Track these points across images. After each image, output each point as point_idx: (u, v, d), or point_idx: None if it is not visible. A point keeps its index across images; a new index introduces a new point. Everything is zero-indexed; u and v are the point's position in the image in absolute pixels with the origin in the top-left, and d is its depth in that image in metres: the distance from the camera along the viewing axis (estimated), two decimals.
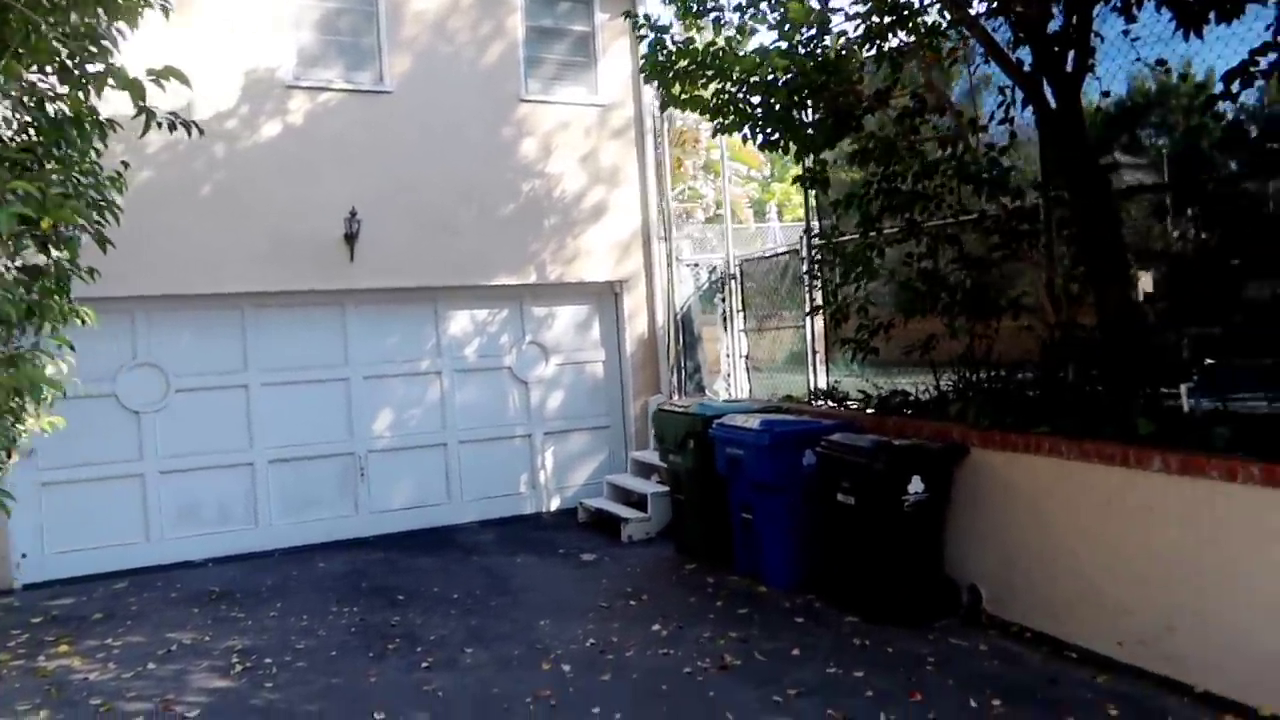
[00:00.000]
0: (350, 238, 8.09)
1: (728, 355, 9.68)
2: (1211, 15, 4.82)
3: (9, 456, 5.08)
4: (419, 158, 8.44)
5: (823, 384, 8.17)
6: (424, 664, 5.19)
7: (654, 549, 7.64)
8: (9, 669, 5.43)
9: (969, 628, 5.48)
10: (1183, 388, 5.19)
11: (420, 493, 8.66)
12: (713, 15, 6.40)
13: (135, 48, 7.46)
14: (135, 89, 3.93)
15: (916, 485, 5.61)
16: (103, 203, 5.34)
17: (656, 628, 5.66)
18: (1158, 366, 5.39)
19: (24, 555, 7.32)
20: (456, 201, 8.60)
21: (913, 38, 6.23)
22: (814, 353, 8.15)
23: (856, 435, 6.01)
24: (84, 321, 5.60)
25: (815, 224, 7.89)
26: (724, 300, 9.63)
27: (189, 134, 4.90)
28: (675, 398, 9.55)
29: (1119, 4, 5.21)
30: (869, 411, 6.93)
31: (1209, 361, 5.42)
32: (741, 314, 9.42)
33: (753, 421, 6.49)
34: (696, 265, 9.93)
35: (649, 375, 9.54)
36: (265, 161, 7.93)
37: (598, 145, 9.28)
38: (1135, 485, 4.81)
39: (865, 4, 6.12)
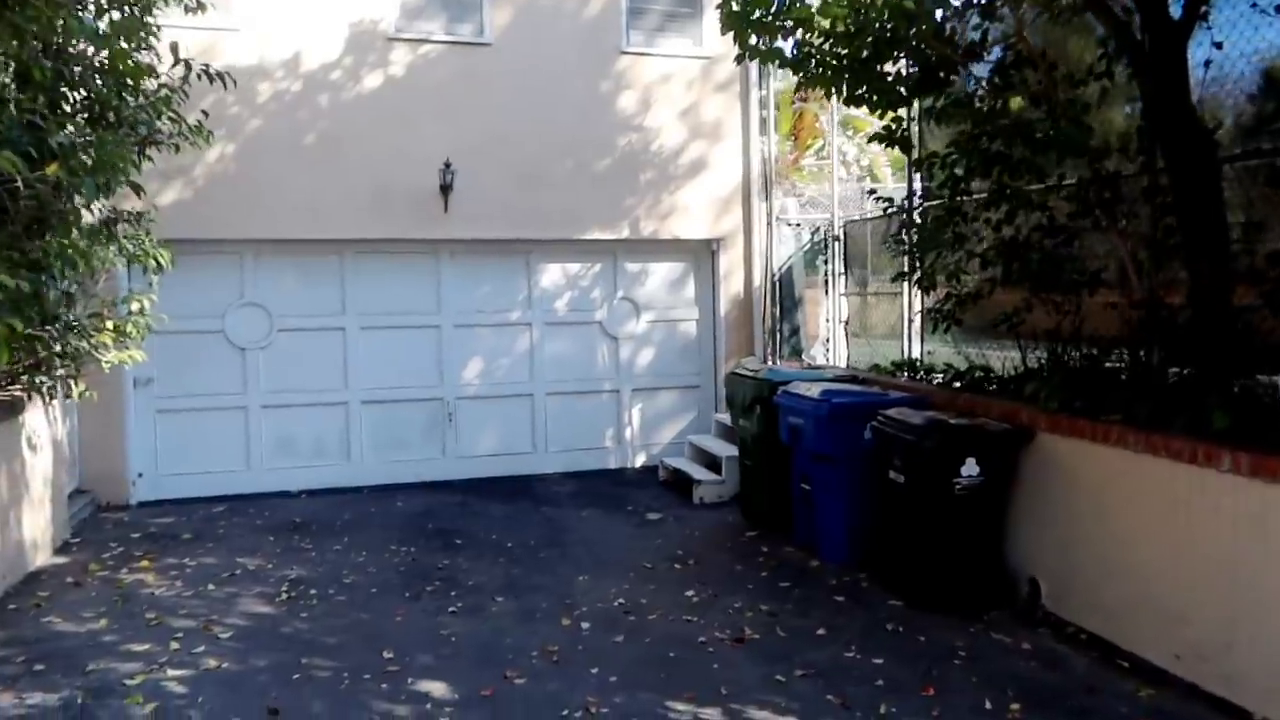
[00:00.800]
0: (445, 189, 8.27)
1: (827, 320, 9.34)
2: None
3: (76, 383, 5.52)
4: (516, 110, 8.50)
5: (916, 354, 7.77)
6: (451, 609, 5.33)
7: (721, 513, 7.53)
8: (94, 578, 5.95)
9: (1019, 623, 5.12)
10: None
11: (506, 441, 8.86)
12: None
13: (246, 4, 7.85)
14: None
15: (971, 468, 5.25)
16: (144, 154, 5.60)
17: (691, 593, 5.59)
18: (1254, 352, 4.80)
19: (140, 475, 7.98)
20: (551, 155, 8.62)
21: None
22: (909, 322, 7.75)
23: (914, 411, 5.68)
24: (159, 263, 5.92)
25: (918, 185, 7.46)
26: (827, 263, 9.27)
27: (224, 86, 5.03)
28: (770, 361, 9.32)
29: None
30: (954, 386, 6.53)
31: None
32: (843, 277, 9.05)
33: (815, 390, 6.24)
34: (799, 225, 9.58)
35: (743, 337, 9.34)
36: (366, 112, 8.19)
37: (700, 99, 9.06)
38: (1203, 485, 4.32)
39: None
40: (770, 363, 9.29)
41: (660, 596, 5.53)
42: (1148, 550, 4.63)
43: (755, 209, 9.25)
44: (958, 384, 6.47)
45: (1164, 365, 5.15)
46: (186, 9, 6.42)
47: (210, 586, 5.74)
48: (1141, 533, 4.67)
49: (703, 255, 9.36)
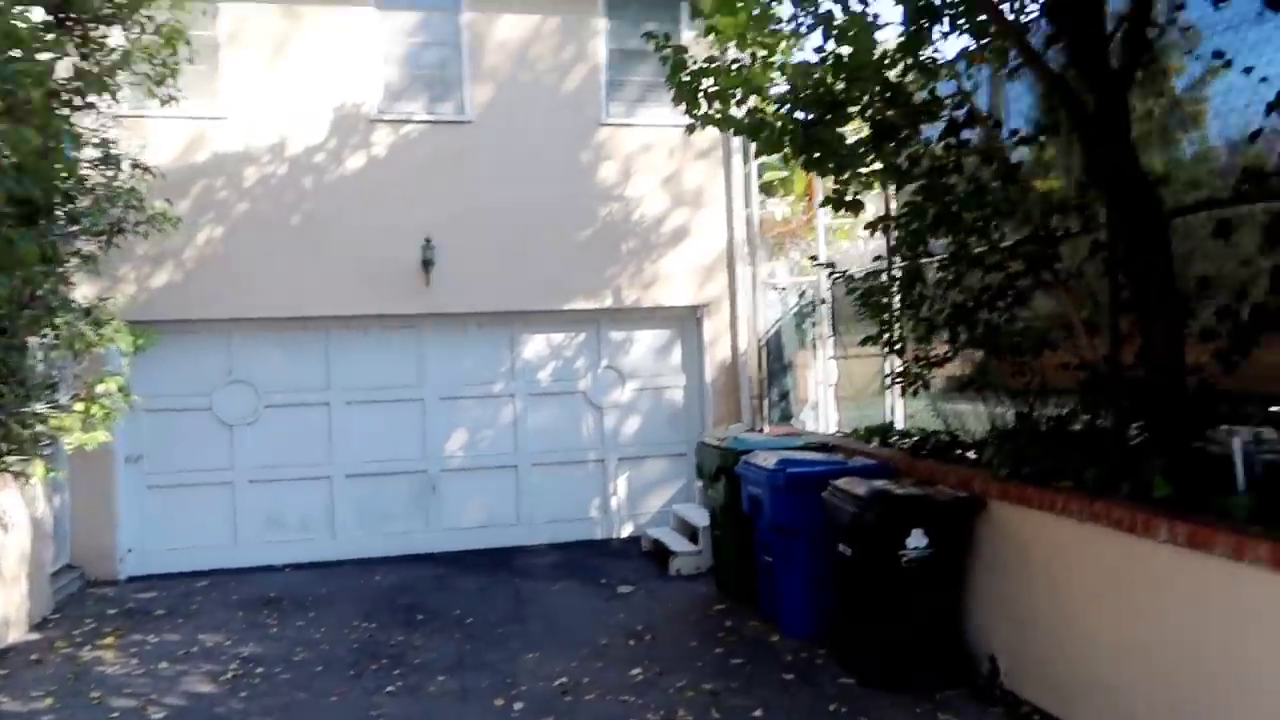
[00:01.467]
0: (427, 264, 8.40)
1: (817, 384, 9.20)
2: None
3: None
4: (497, 185, 8.64)
5: (900, 416, 7.61)
6: (389, 688, 5.25)
7: (695, 585, 7.36)
8: (58, 655, 6.01)
9: (976, 702, 4.88)
10: (1236, 442, 4.40)
11: (490, 513, 8.82)
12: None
13: (235, 89, 8.17)
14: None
15: (917, 539, 5.07)
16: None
17: (636, 671, 5.44)
18: (1207, 413, 4.60)
19: (129, 550, 8.10)
20: (533, 227, 8.72)
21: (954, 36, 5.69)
22: (887, 385, 7.59)
23: (862, 480, 5.52)
24: (138, 344, 6.08)
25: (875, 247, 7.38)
26: (815, 325, 9.17)
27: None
28: (761, 426, 9.19)
29: None
30: (920, 451, 6.36)
31: (1274, 409, 4.56)
32: (831, 340, 8.93)
33: (771, 460, 6.11)
34: (784, 289, 9.52)
35: (731, 403, 9.25)
36: (349, 192, 8.40)
37: (681, 166, 9.13)
38: (1145, 556, 4.11)
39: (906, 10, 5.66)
40: (762, 428, 9.16)
41: (605, 675, 5.40)
42: (1095, 624, 4.41)
43: (741, 274, 9.22)
44: (924, 449, 6.28)
45: (1121, 427, 4.95)
46: (161, 101, 6.70)
47: (163, 664, 5.75)
48: (1089, 606, 4.45)
49: (688, 322, 9.33)
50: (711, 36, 5.88)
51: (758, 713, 4.79)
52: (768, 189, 14.68)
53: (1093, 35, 4.79)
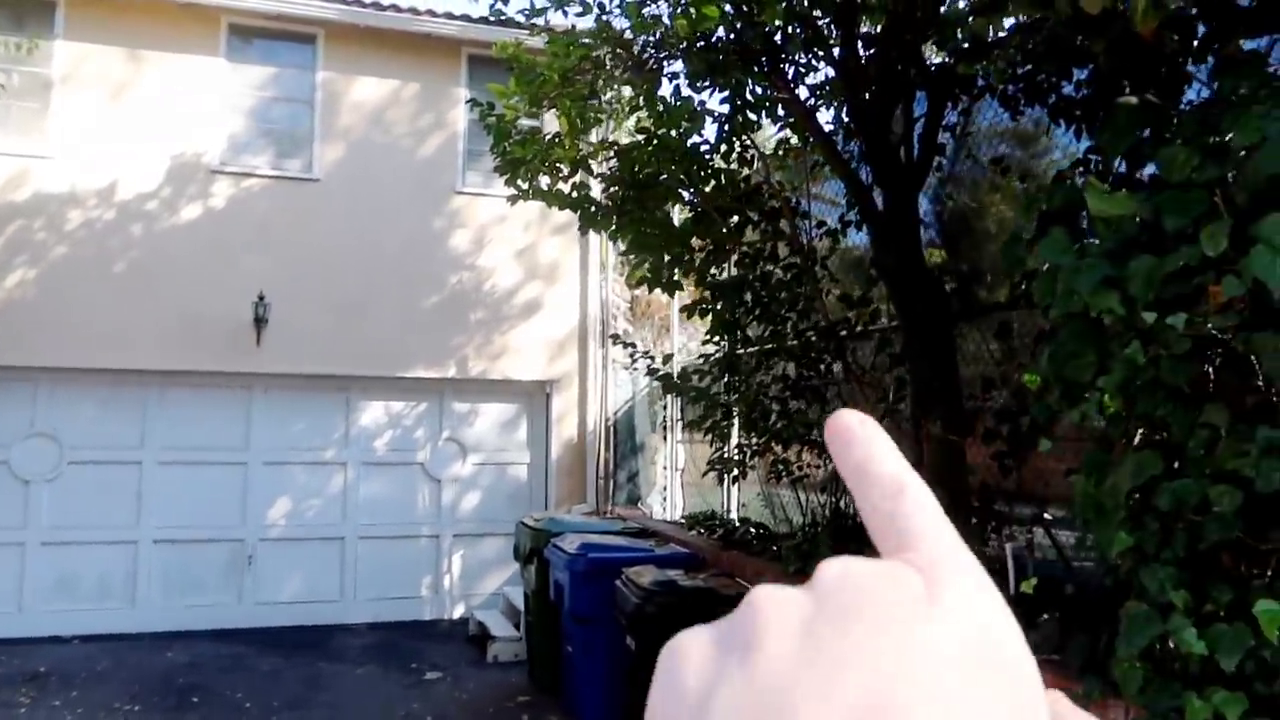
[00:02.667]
0: (259, 321, 8.05)
1: (665, 467, 9.03)
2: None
3: None
4: (341, 245, 8.39)
5: (735, 504, 7.48)
6: None
7: (509, 674, 6.99)
8: None
9: None
10: (1009, 546, 4.34)
11: (311, 587, 8.33)
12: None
13: (67, 129, 7.82)
14: None
15: None
16: None
17: None
18: (984, 515, 4.56)
19: None
20: (376, 290, 8.46)
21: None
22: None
23: (655, 569, 5.31)
24: None
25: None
26: (666, 409, 9.04)
27: None
28: (608, 508, 8.96)
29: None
30: (731, 540, 6.20)
31: (1047, 515, 4.53)
32: (680, 424, 8.80)
33: (574, 545, 5.87)
34: (635, 369, 9.39)
35: (577, 482, 9.01)
36: (181, 242, 8.05)
37: (537, 240, 9.03)
38: None
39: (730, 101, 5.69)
40: (606, 511, 8.93)
41: None
42: None
43: (592, 352, 9.08)
44: (734, 540, 6.13)
45: None
46: None
47: None
48: None
49: (536, 397, 9.12)
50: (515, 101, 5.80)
51: None
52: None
53: (882, 134, 4.84)
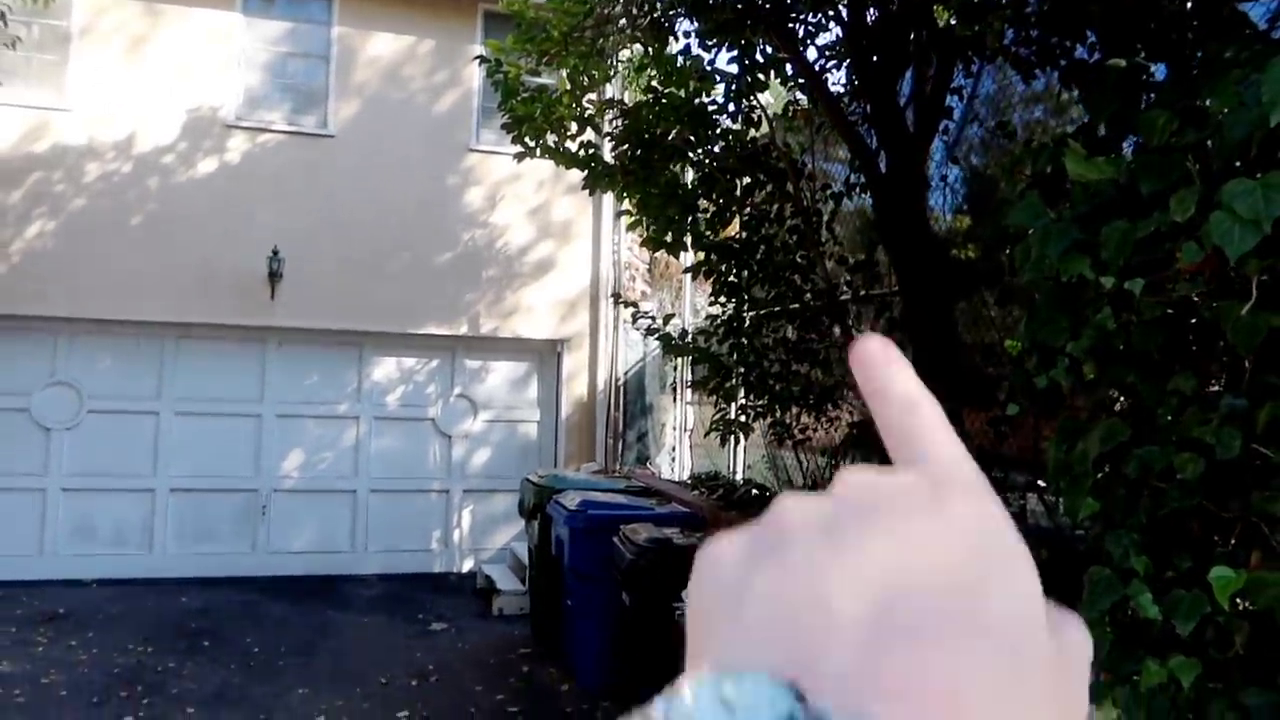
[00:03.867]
0: (274, 275, 8.13)
1: (674, 428, 9.08)
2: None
3: None
4: (355, 201, 8.43)
5: (740, 465, 7.53)
6: (126, 718, 4.93)
7: (512, 626, 7.12)
8: None
9: None
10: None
11: (323, 538, 8.49)
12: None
13: (85, 82, 7.89)
14: None
15: None
16: None
17: (403, 714, 5.19)
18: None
19: None
20: (389, 247, 8.51)
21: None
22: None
23: (652, 526, 5.38)
24: None
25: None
26: (675, 370, 9.07)
27: None
28: (617, 467, 9.03)
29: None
30: (733, 499, 6.25)
31: (1041, 483, 4.52)
32: (689, 385, 8.82)
33: (575, 501, 5.94)
34: (638, 328, 9.41)
35: (585, 441, 9.08)
36: (198, 196, 8.12)
37: (550, 199, 9.02)
38: None
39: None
40: (618, 468, 9.00)
41: (367, 716, 5.14)
42: None
43: (603, 312, 9.10)
44: (733, 499, 6.18)
45: None
46: None
47: None
48: None
49: (548, 356, 9.17)
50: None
51: None
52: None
53: (889, 97, 4.79)
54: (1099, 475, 2.50)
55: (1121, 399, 2.61)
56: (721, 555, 0.32)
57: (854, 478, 0.32)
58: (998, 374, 4.60)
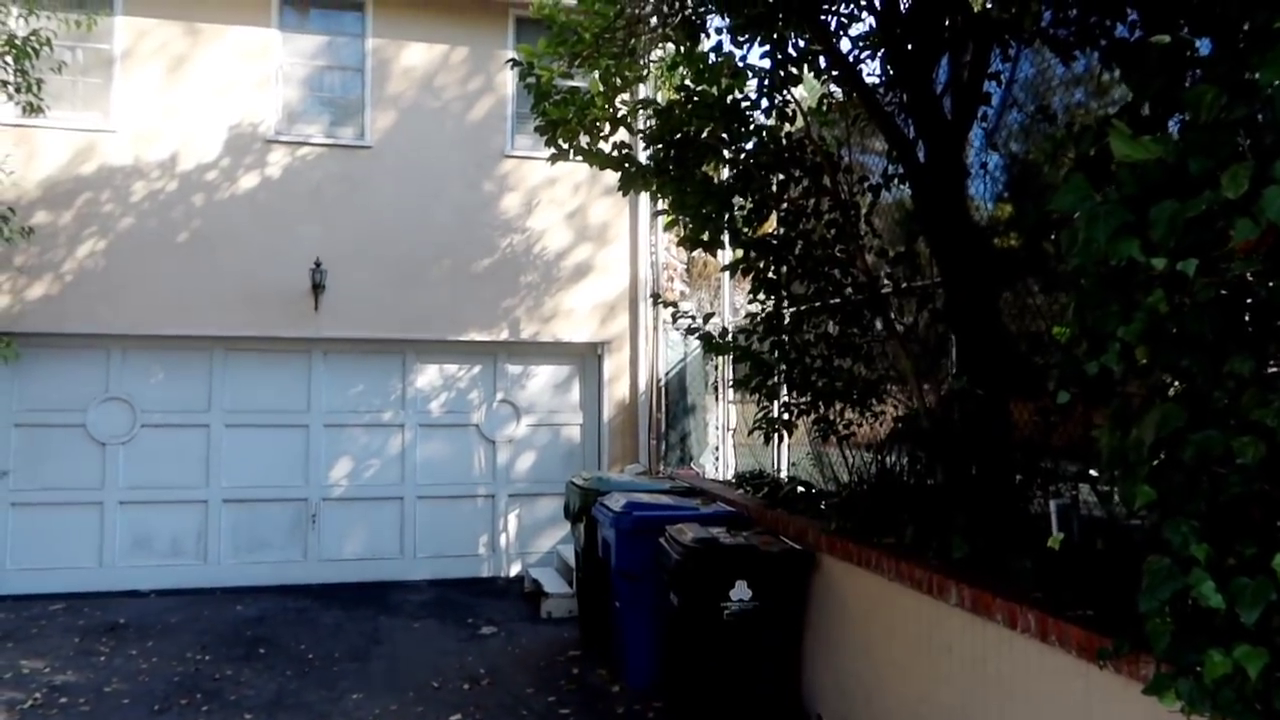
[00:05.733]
0: (317, 287, 8.25)
1: (717, 428, 9.04)
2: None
3: None
4: (394, 211, 8.53)
5: (785, 463, 7.49)
6: None
7: (561, 630, 7.14)
8: None
9: None
10: (1053, 505, 4.27)
11: (372, 545, 8.59)
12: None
13: (129, 103, 8.06)
14: None
15: (741, 592, 4.89)
16: None
17: (456, 717, 5.22)
18: (1029, 472, 4.48)
19: None
20: (429, 255, 8.59)
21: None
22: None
23: (698, 526, 5.36)
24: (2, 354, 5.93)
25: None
26: (717, 369, 9.03)
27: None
28: (661, 468, 9.02)
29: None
30: (777, 499, 6.20)
31: (1092, 472, 4.43)
32: (731, 384, 8.79)
33: (620, 503, 5.94)
34: (677, 328, 9.38)
35: (628, 443, 9.08)
36: (241, 212, 8.26)
37: (587, 202, 9.04)
38: (938, 618, 3.97)
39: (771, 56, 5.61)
40: (662, 469, 8.99)
41: None
42: (901, 690, 4.24)
43: (643, 313, 9.10)
44: (779, 498, 6.13)
45: (950, 484, 4.81)
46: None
47: None
48: (896, 670, 4.29)
49: (589, 359, 9.18)
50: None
51: None
52: None
53: (925, 85, 4.73)
54: (1154, 462, 2.44)
55: (1175, 383, 2.55)
56: None
57: None
58: (1045, 363, 4.51)
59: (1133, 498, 2.44)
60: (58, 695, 5.44)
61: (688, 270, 12.83)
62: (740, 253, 5.95)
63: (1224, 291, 2.26)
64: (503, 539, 8.88)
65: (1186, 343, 2.29)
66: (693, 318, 6.13)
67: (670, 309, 6.36)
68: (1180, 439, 2.35)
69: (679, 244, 6.27)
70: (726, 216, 5.91)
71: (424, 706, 5.39)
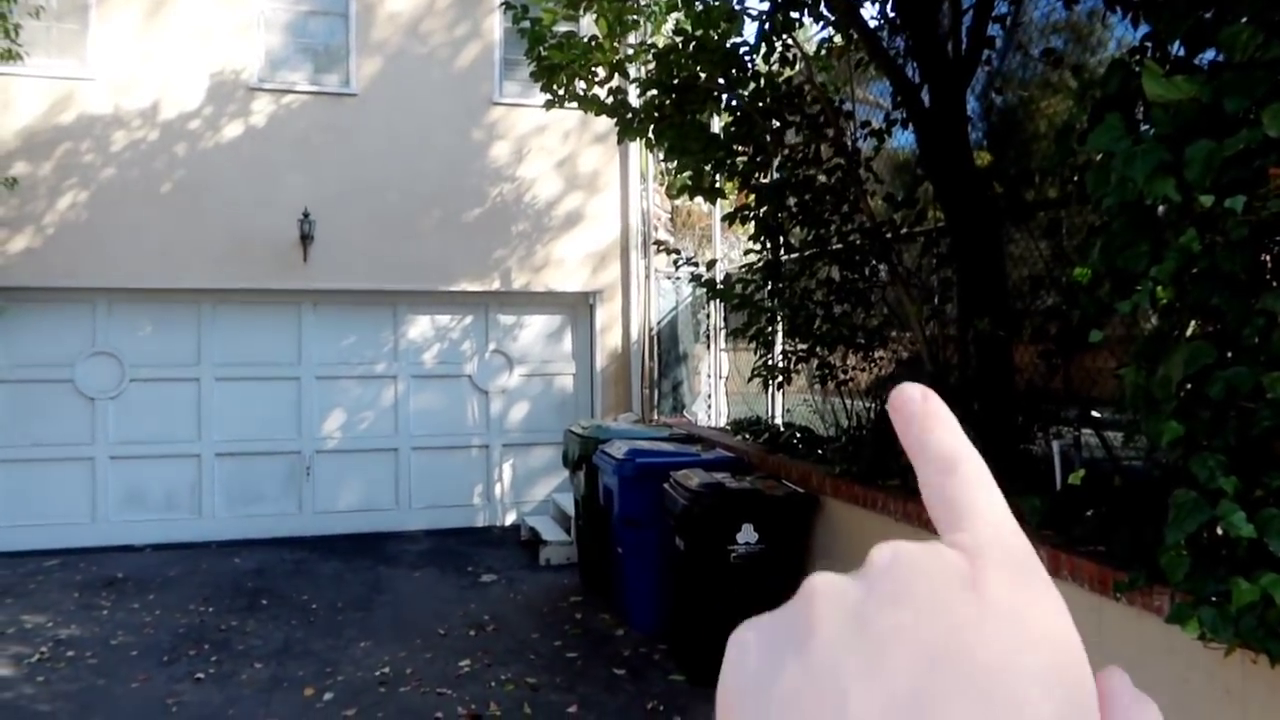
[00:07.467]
0: (305, 238, 8.14)
1: (709, 376, 9.09)
2: None
3: None
4: (382, 160, 8.40)
5: (779, 410, 7.54)
6: (199, 675, 5.06)
7: (560, 576, 7.22)
8: None
9: None
10: (1055, 445, 4.34)
11: (367, 496, 8.60)
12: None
13: (106, 50, 7.85)
14: None
15: (748, 535, 4.96)
16: None
17: (465, 663, 5.29)
18: (1031, 415, 4.56)
19: None
20: (418, 205, 8.49)
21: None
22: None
23: (701, 472, 5.41)
24: None
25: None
26: (709, 317, 9.05)
27: None
28: (653, 416, 9.07)
29: None
30: (777, 445, 6.27)
31: (1095, 414, 4.51)
32: (723, 332, 8.82)
33: (622, 450, 5.98)
34: (679, 279, 9.38)
35: (622, 392, 9.11)
36: (225, 161, 8.11)
37: (577, 150, 8.95)
38: None
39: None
40: (651, 419, 9.04)
41: (431, 665, 5.24)
42: None
43: (634, 262, 9.07)
44: (779, 444, 6.20)
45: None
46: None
47: None
48: None
49: (580, 308, 9.16)
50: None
51: (572, 709, 4.67)
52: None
53: (929, 28, 4.70)
54: (1180, 399, 2.49)
55: (1196, 322, 2.59)
56: (749, 643, 0.31)
57: (884, 553, 0.30)
58: (1049, 306, 4.56)
59: (1159, 434, 2.49)
60: (64, 649, 5.45)
61: (672, 220, 12.78)
62: (742, 199, 5.93)
63: (1254, 230, 2.30)
64: (497, 489, 8.92)
65: (1218, 280, 2.33)
66: (695, 264, 6.12)
67: (674, 255, 6.33)
68: (1208, 375, 2.40)
69: (677, 193, 6.23)
70: (728, 163, 5.89)
71: (432, 653, 5.45)
